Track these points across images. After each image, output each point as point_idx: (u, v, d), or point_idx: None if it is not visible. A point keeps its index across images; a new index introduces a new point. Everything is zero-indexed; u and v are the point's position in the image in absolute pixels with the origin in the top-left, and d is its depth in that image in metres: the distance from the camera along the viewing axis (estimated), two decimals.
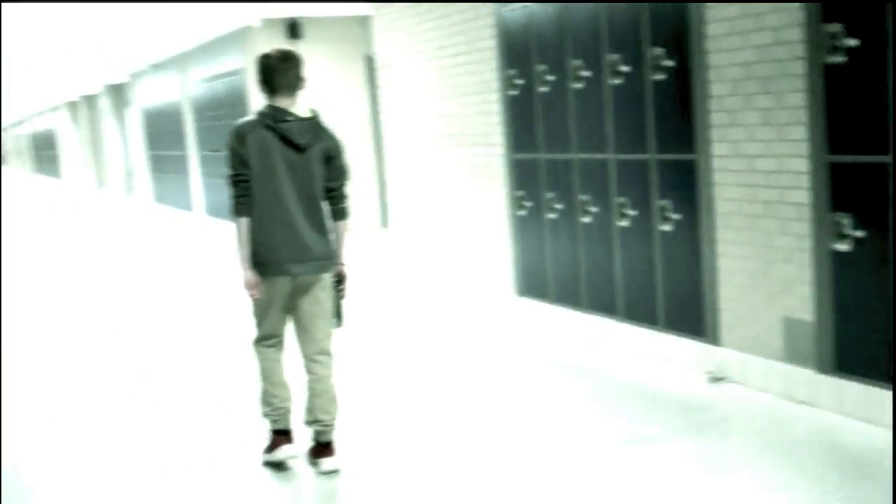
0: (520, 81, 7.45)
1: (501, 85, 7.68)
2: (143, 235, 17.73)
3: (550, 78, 7.08)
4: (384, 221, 13.27)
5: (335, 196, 4.79)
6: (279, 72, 4.65)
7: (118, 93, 25.59)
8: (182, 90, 17.74)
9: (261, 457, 4.93)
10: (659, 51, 6.01)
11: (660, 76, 6.03)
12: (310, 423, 4.82)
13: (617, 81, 6.40)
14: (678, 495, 4.24)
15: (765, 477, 4.36)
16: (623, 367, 6.28)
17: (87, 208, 24.93)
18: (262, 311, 4.77)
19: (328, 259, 4.75)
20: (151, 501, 4.64)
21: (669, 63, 5.95)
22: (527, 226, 7.60)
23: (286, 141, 4.62)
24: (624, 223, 6.49)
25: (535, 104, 7.30)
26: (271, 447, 4.88)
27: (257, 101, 13.05)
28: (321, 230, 4.73)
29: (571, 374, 6.22)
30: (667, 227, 6.12)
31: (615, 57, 6.38)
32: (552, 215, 7.25)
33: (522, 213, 7.63)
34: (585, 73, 6.70)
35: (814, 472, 4.39)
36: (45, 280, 12.20)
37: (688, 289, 6.03)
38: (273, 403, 4.84)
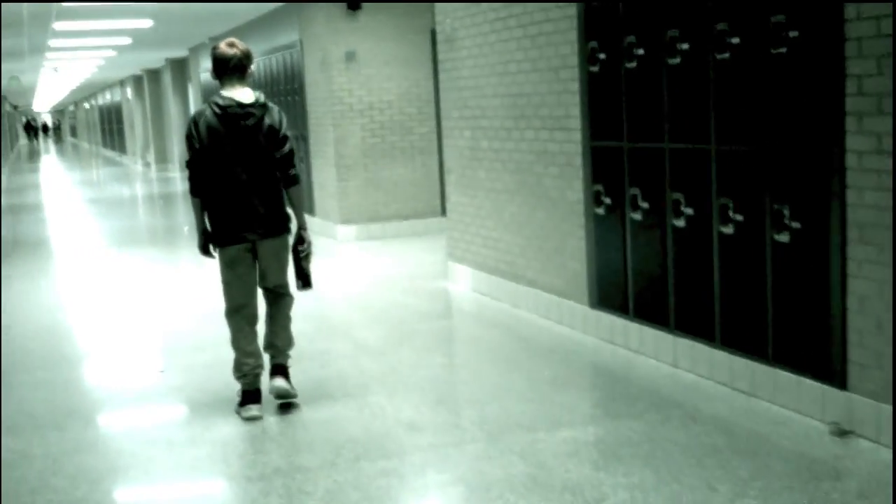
0: (602, 56, 6.30)
1: (581, 60, 6.53)
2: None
3: (639, 52, 5.92)
4: (444, 209, 12.18)
5: (282, 165, 5.31)
6: (227, 63, 5.23)
7: (180, 67, 24.87)
8: None
9: (235, 409, 5.42)
10: (780, 17, 4.83)
11: (780, 49, 4.84)
12: (265, 347, 5.49)
13: (724, 56, 5.23)
14: None
15: None
16: (722, 406, 5.13)
17: (139, 185, 24.27)
18: (227, 280, 5.35)
19: (279, 223, 5.33)
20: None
21: (793, 33, 4.76)
22: (605, 226, 6.46)
23: (234, 124, 5.18)
24: (727, 229, 5.32)
25: (620, 83, 6.14)
26: (241, 405, 5.39)
27: (312, 76, 11.73)
28: (271, 199, 5.29)
29: (656, 412, 5.08)
30: (783, 238, 4.94)
31: (723, 25, 5.21)
32: (636, 215, 6.10)
33: (600, 210, 6.48)
34: (684, 46, 5.53)
35: None
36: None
37: (808, 316, 4.85)
38: (243, 370, 5.39)
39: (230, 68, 5.23)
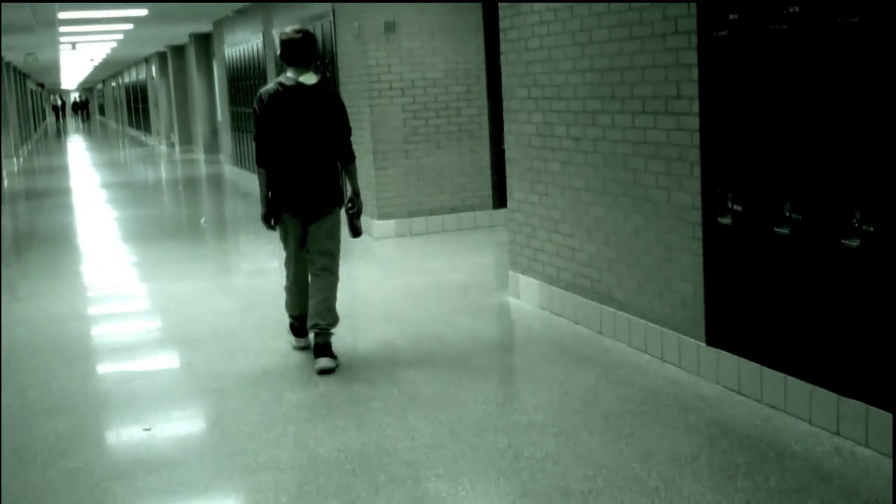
0: (734, 16, 4.74)
1: (701, 22, 4.97)
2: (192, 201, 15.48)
3: (794, 9, 4.35)
4: (496, 202, 10.68)
5: (340, 144, 5.79)
6: (293, 47, 5.64)
7: (204, 43, 23.43)
8: (265, 39, 15.34)
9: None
10: None
11: None
12: (310, 327, 5.82)
13: None
14: None
15: None
16: None
17: (160, 168, 22.89)
18: (284, 238, 5.86)
19: (332, 197, 5.75)
20: None
21: None
22: (733, 241, 4.91)
23: (298, 103, 5.62)
24: None
25: (761, 51, 4.58)
26: (294, 335, 6.12)
27: (346, 50, 10.18)
28: (327, 174, 5.73)
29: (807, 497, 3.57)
30: None
31: None
32: (782, 229, 4.55)
33: (726, 220, 4.94)
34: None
35: None
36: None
37: None
38: (290, 311, 6.03)
39: (295, 53, 5.66)
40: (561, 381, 5.36)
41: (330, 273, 5.78)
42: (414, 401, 5.14)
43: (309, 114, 5.63)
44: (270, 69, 15.02)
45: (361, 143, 10.63)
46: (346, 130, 5.80)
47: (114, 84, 54.19)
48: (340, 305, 5.90)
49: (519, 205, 7.17)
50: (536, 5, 6.56)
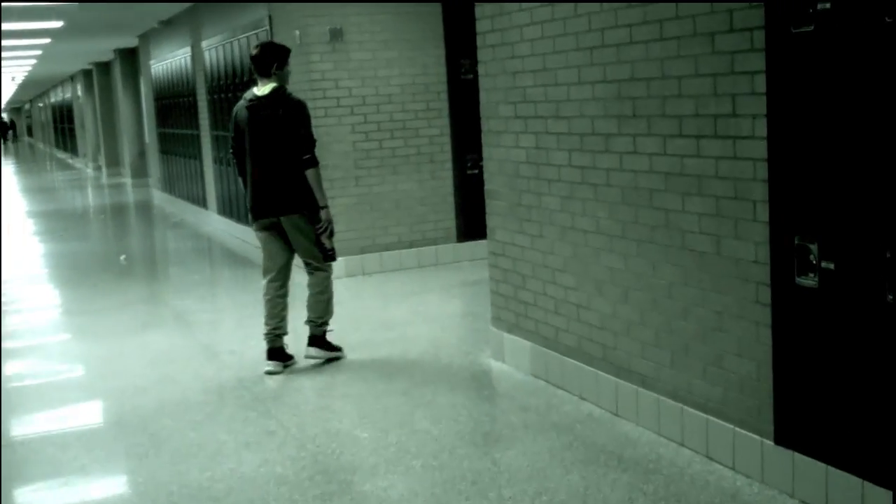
0: (825, 5, 3.47)
1: (771, 16, 3.69)
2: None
3: None
4: (461, 234, 9.40)
5: (300, 151, 5.85)
6: (253, 61, 5.92)
7: (130, 59, 21.84)
8: (194, 52, 13.88)
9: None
10: None
11: None
12: (306, 322, 6.10)
13: None
14: None
15: None
16: None
17: (86, 194, 21.21)
18: (261, 247, 6.12)
19: (294, 203, 5.87)
20: None
21: None
22: (820, 310, 3.63)
23: (253, 114, 5.90)
24: None
25: (870, 53, 3.31)
26: (266, 359, 6.04)
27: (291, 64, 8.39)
28: (287, 181, 5.86)
29: None
30: None
31: None
32: None
33: (809, 281, 3.66)
34: None
35: None
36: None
37: None
38: (265, 329, 6.05)
39: (254, 66, 5.92)
40: (582, 494, 4.01)
41: (320, 269, 6.00)
42: None
43: (262, 123, 5.83)
44: (200, 85, 13.55)
45: None
46: (301, 136, 5.81)
47: (41, 104, 51.99)
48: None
49: (503, 247, 5.85)
50: (528, 2, 5.27)
